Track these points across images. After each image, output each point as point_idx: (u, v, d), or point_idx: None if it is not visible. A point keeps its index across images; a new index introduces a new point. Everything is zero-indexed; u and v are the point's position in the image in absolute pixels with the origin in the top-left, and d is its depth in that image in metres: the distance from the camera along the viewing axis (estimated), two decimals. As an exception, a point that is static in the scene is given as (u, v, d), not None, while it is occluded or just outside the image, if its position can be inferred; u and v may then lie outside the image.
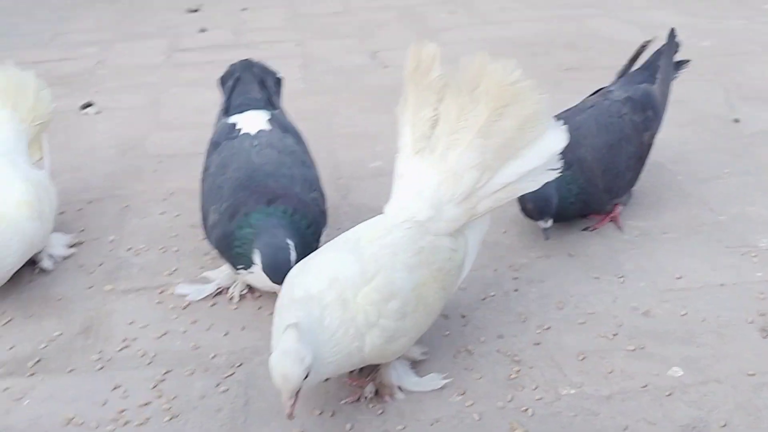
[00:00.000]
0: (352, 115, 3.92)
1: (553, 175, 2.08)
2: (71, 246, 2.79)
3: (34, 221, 2.51)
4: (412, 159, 2.10)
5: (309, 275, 1.95)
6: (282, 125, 2.68)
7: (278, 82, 2.99)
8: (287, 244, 2.19)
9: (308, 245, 2.27)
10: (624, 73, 3.05)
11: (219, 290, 2.51)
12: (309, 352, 1.74)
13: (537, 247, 2.69)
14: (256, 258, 2.21)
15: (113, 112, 4.10)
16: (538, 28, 5.20)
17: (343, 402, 2.06)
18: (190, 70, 4.69)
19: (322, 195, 2.52)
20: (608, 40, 4.85)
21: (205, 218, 2.48)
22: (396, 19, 5.64)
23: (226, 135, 2.63)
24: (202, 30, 5.50)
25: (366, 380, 2.08)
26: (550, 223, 2.58)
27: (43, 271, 2.65)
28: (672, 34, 3.00)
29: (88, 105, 4.11)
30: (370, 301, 1.88)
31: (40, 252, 2.65)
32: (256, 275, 2.26)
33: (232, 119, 2.69)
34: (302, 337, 1.76)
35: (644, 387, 2.05)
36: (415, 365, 2.14)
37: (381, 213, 2.26)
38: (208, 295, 2.50)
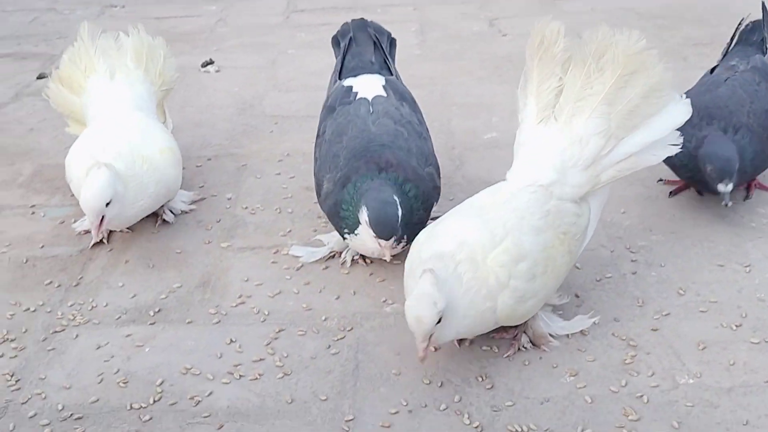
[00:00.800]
0: (468, 84, 3.87)
1: (675, 150, 2.11)
2: (192, 203, 2.86)
3: (175, 168, 2.68)
4: (536, 128, 2.16)
5: (437, 239, 1.98)
6: (398, 92, 2.63)
7: (393, 43, 2.94)
8: (394, 200, 2.20)
9: (416, 214, 2.28)
10: (727, 50, 2.99)
11: (332, 254, 2.54)
12: (443, 298, 1.81)
13: (658, 229, 2.60)
14: (362, 215, 2.22)
15: (232, 71, 4.18)
16: (666, 0, 4.99)
17: (506, 356, 2.08)
18: (306, 32, 4.73)
19: (437, 169, 2.48)
20: (739, 16, 4.60)
21: (318, 186, 2.49)
22: (515, -14, 5.51)
23: (341, 99, 2.62)
24: (321, -9, 5.52)
25: (516, 332, 2.10)
26: (730, 186, 2.42)
27: (165, 222, 2.74)
28: (765, 8, 2.92)
29: (208, 63, 4.20)
30: (501, 263, 1.92)
31: (162, 205, 2.73)
32: (362, 236, 2.27)
33: (348, 83, 2.68)
34: (436, 281, 1.82)
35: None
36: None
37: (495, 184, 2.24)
38: (320, 258, 2.53)
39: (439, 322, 1.81)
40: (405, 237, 2.26)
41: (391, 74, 2.75)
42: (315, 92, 3.82)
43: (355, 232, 2.29)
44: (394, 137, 2.42)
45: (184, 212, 2.81)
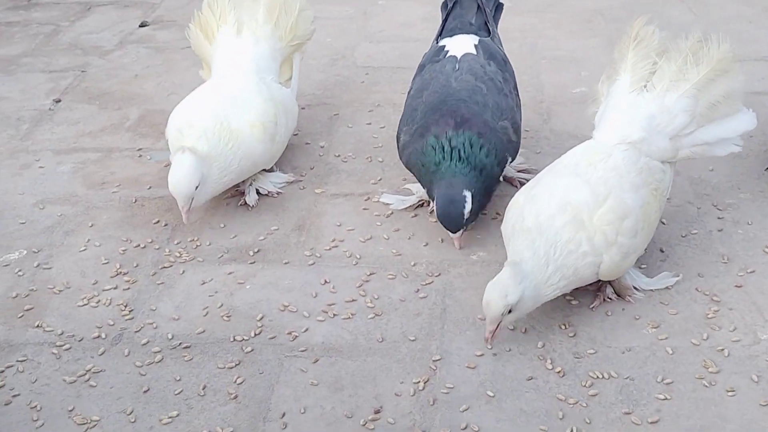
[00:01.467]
0: (558, 38, 3.87)
1: (738, 149, 2.36)
2: (281, 187, 2.78)
3: (263, 143, 2.62)
4: (628, 95, 2.29)
5: (539, 202, 2.07)
6: (488, 51, 2.67)
7: (499, 7, 2.96)
8: (463, 196, 2.29)
9: (489, 175, 2.37)
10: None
11: (420, 202, 2.63)
12: (517, 292, 1.92)
13: (746, 187, 2.61)
14: (433, 204, 2.37)
15: (324, 21, 4.23)
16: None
17: (591, 307, 2.16)
18: (398, -17, 4.75)
19: (513, 124, 2.51)
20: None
21: (398, 138, 2.58)
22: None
23: (431, 58, 2.70)
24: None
25: (601, 283, 2.17)
26: None
27: (245, 204, 2.69)
28: None
29: (301, 13, 4.28)
30: (607, 221, 2.03)
31: (250, 182, 2.73)
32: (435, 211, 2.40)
33: (442, 42, 2.75)
34: (517, 276, 1.92)
35: None
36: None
37: (583, 139, 2.29)
38: (409, 206, 2.63)
39: (510, 312, 1.94)
40: (479, 214, 2.41)
41: (489, 35, 2.78)
42: (405, 43, 3.90)
43: (432, 203, 2.42)
44: (471, 92, 2.48)
45: (271, 194, 2.74)
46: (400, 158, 2.58)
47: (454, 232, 2.35)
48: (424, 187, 2.50)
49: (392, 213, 2.62)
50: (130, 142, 3.14)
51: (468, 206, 2.29)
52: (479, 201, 2.35)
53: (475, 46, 2.67)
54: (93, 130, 3.25)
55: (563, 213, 2.01)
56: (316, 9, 4.33)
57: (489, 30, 2.80)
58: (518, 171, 2.72)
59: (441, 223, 2.35)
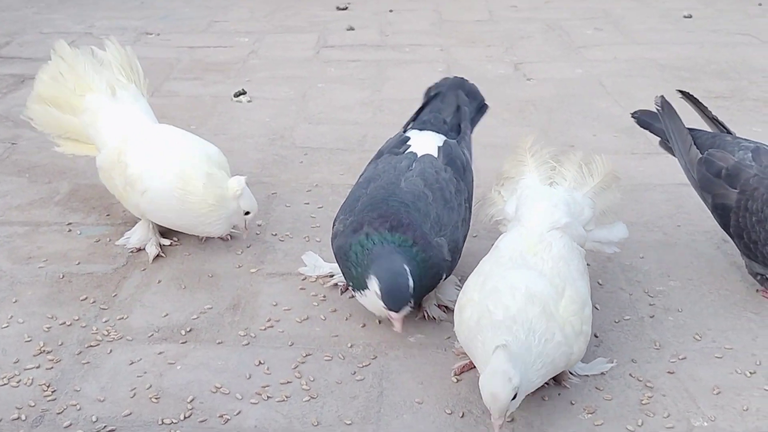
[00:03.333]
0: (493, 126, 3.96)
1: (617, 250, 2.59)
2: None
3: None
4: (542, 187, 2.46)
5: (503, 296, 2.02)
6: (449, 156, 2.56)
7: (482, 109, 2.95)
8: (405, 270, 2.19)
9: (425, 279, 2.27)
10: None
11: (334, 283, 2.61)
12: (517, 374, 1.85)
13: (675, 275, 2.68)
14: (372, 284, 2.21)
15: (264, 101, 4.30)
16: (688, 52, 5.11)
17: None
18: (336, 67, 4.85)
19: (452, 242, 2.37)
20: (761, 71, 4.71)
21: (334, 223, 2.49)
22: (540, 31, 5.65)
23: (391, 147, 2.62)
24: (350, 28, 5.67)
25: None
26: None
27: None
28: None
29: (241, 93, 4.32)
30: (572, 312, 2.05)
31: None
32: (369, 299, 2.27)
33: (409, 134, 2.67)
34: (510, 356, 1.86)
35: (781, 429, 2.02)
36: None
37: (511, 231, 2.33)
38: (319, 276, 2.65)
39: (514, 397, 1.85)
40: (413, 303, 2.25)
41: (458, 138, 2.69)
42: (344, 126, 3.96)
43: (363, 293, 2.28)
44: (416, 198, 2.37)
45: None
46: (331, 244, 2.47)
47: (398, 311, 2.20)
48: (346, 279, 2.42)
49: (329, 294, 2.59)
50: (59, 217, 3.06)
51: (411, 281, 2.18)
52: (416, 284, 2.22)
53: (439, 147, 2.58)
54: (21, 204, 3.16)
55: (533, 305, 1.98)
56: (256, 88, 4.43)
57: (461, 131, 2.73)
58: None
59: (385, 301, 2.19)
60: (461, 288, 2.25)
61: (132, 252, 2.81)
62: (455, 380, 2.20)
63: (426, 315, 2.42)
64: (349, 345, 2.35)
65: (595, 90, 4.44)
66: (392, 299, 2.20)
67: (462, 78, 2.97)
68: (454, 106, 2.80)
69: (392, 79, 4.60)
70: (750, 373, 2.21)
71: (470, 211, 2.59)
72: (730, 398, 2.13)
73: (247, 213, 2.74)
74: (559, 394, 2.15)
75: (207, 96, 4.38)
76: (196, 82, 4.60)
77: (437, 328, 2.42)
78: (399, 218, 2.30)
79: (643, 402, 2.11)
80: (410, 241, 2.26)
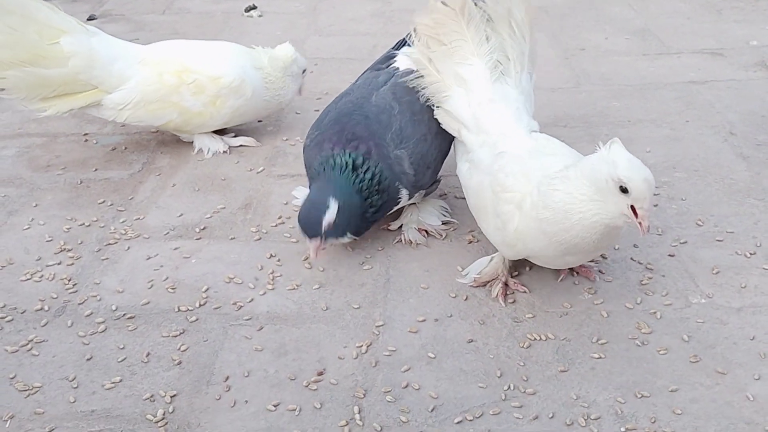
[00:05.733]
0: (504, 32, 3.94)
1: None
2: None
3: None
4: (493, 86, 2.23)
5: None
6: None
7: None
8: (326, 203, 2.17)
9: (376, 195, 2.24)
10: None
11: None
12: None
13: (681, 167, 2.70)
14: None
15: (274, 16, 4.30)
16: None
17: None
18: (347, -19, 4.81)
19: (413, 155, 2.29)
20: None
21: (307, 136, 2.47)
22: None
23: (377, 63, 2.60)
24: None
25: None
26: None
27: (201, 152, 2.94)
28: None
29: (251, 8, 4.32)
30: None
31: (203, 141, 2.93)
32: None
33: (400, 50, 2.58)
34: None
35: (777, 303, 2.07)
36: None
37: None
38: None
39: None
40: (347, 233, 2.25)
41: None
42: (354, 37, 3.96)
43: None
44: (381, 111, 2.32)
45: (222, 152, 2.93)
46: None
47: (310, 238, 2.20)
48: None
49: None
50: (76, 128, 3.13)
51: (329, 215, 2.16)
52: (348, 218, 2.21)
53: None
54: (38, 117, 3.21)
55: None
56: (267, 3, 4.42)
57: None
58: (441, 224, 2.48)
59: (299, 226, 2.22)
60: (449, 214, 2.38)
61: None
62: (460, 268, 2.26)
63: (403, 238, 2.41)
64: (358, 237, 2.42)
65: (609, -6, 4.39)
66: (302, 227, 2.21)
67: None
68: None
69: (403, -9, 4.57)
70: (750, 254, 2.26)
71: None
72: (729, 277, 2.18)
73: (303, 71, 3.00)
74: (560, 279, 2.20)
75: (218, 12, 4.38)
76: (207, -1, 4.60)
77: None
78: (355, 131, 2.28)
79: (643, 282, 2.17)
80: (361, 158, 2.23)
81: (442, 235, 2.41)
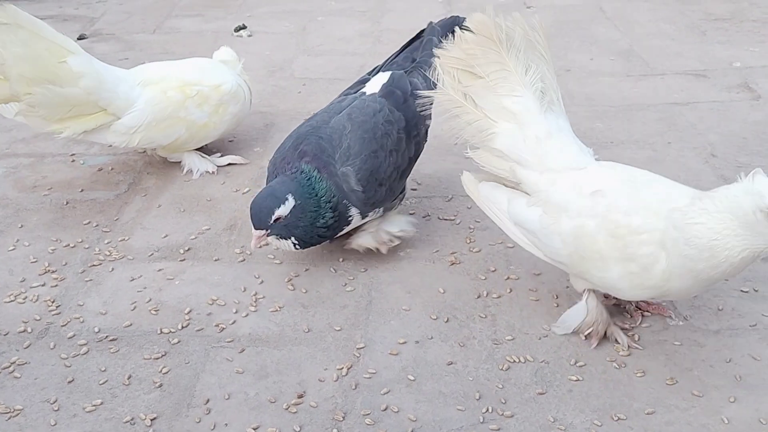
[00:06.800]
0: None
1: None
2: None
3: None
4: (546, 116, 2.09)
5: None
6: (390, 87, 2.46)
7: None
8: (281, 195, 2.19)
9: (321, 212, 2.24)
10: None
11: None
12: None
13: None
14: None
15: (264, 35, 4.34)
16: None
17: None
18: (336, 0, 4.86)
19: (360, 171, 2.27)
20: (763, -7, 4.67)
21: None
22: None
23: (348, 90, 2.61)
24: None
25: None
26: None
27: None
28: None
29: (241, 28, 4.35)
30: None
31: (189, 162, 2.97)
32: None
33: (373, 76, 2.59)
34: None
35: (753, 326, 2.09)
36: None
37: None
38: None
39: None
40: (291, 237, 2.25)
41: (422, 66, 2.53)
42: (342, 57, 3.99)
43: None
44: (334, 131, 2.32)
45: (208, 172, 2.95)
46: None
47: (256, 228, 2.21)
48: None
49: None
50: (63, 148, 3.15)
51: (283, 209, 2.18)
52: (299, 221, 2.22)
53: (384, 84, 2.48)
54: (26, 137, 3.25)
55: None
56: (256, 23, 4.46)
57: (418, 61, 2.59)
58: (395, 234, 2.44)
59: (249, 211, 2.23)
60: (411, 226, 2.39)
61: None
62: (441, 290, 2.28)
63: (350, 242, 2.40)
64: (340, 259, 2.44)
65: (595, 15, 4.43)
66: (252, 215, 2.22)
67: (457, 16, 2.75)
68: (425, 40, 2.65)
69: (392, 11, 4.60)
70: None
71: (409, 141, 2.43)
72: (707, 299, 2.20)
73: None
74: (538, 300, 2.22)
75: (208, 31, 4.41)
76: (198, 19, 4.63)
77: (426, 242, 2.50)
78: (306, 150, 2.29)
79: (622, 304, 2.18)
80: (316, 171, 2.25)
81: (393, 242, 2.41)
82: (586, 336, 2.06)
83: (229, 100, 2.91)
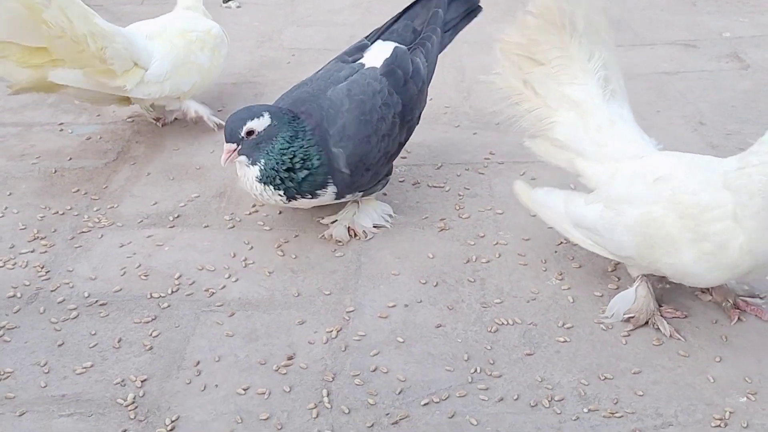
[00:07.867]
0: (481, 24, 3.96)
1: None
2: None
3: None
4: (609, 105, 2.07)
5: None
6: (391, 65, 2.39)
7: (473, 12, 2.76)
8: (261, 112, 2.16)
9: (290, 143, 2.16)
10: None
11: None
12: None
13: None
14: None
15: (253, 7, 4.31)
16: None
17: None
18: (326, -28, 4.83)
19: (351, 156, 2.23)
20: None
21: None
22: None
23: (345, 54, 2.53)
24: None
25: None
26: None
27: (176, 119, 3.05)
28: None
29: (230, -1, 4.33)
30: None
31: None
32: None
33: (373, 44, 2.53)
34: None
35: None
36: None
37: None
38: None
39: None
40: (260, 162, 2.18)
41: (425, 44, 2.52)
42: (332, 27, 3.98)
43: None
44: (331, 105, 2.27)
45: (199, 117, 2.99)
46: None
47: (227, 141, 2.17)
48: None
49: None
50: (51, 117, 3.13)
51: (257, 122, 2.13)
52: (270, 144, 2.15)
53: (386, 59, 2.41)
54: (14, 107, 3.23)
55: None
56: (244, -6, 4.43)
57: (432, 37, 2.55)
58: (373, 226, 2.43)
59: (224, 127, 2.20)
60: (388, 219, 2.38)
61: None
62: (430, 255, 2.29)
63: (327, 233, 2.38)
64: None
65: (586, -13, 4.42)
66: (226, 127, 2.18)
67: None
68: (431, 12, 2.59)
69: (382, -17, 4.59)
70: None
71: (402, 126, 2.39)
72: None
73: None
74: (526, 265, 2.24)
75: (197, 3, 4.37)
76: (186, -9, 4.59)
77: (415, 209, 2.51)
78: (308, 110, 2.25)
79: (610, 270, 2.21)
80: (308, 127, 2.20)
81: (367, 236, 2.38)
82: (638, 325, 1.99)
83: (220, 44, 3.03)
